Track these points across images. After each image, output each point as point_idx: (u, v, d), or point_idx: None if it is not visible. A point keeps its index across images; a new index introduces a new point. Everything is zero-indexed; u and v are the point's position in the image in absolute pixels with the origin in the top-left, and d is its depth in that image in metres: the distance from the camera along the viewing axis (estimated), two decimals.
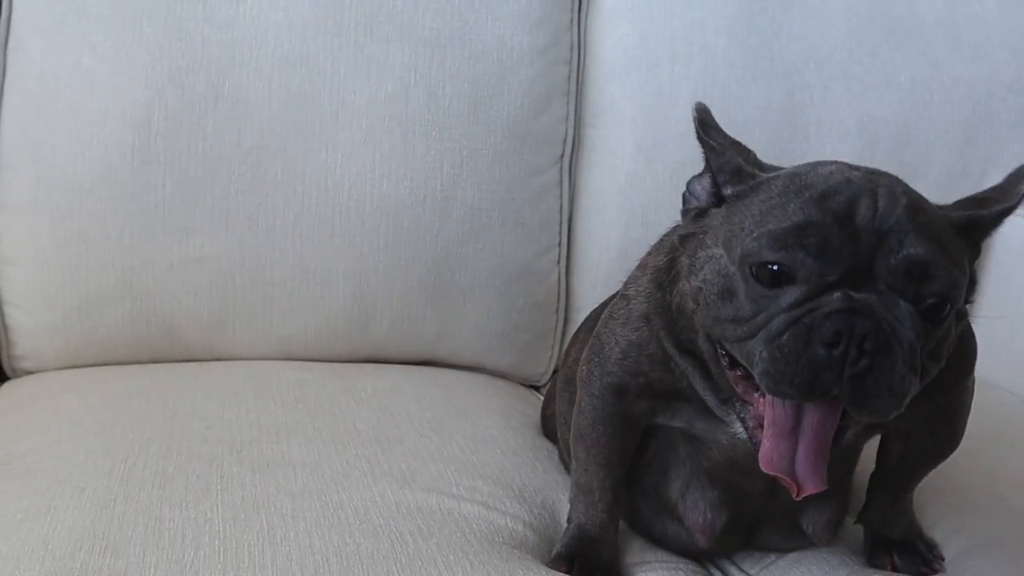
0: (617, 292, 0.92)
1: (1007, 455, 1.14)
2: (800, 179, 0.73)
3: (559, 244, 1.36)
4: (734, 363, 0.74)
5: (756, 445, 0.74)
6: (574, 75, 1.36)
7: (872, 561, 0.94)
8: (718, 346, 0.75)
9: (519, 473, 1.02)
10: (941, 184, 1.48)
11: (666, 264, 0.82)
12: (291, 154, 1.20)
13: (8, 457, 0.98)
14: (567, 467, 1.04)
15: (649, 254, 0.88)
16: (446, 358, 1.33)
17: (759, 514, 0.94)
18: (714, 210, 0.77)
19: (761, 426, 0.74)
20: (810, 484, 0.71)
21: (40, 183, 1.16)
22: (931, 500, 1.03)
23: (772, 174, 0.76)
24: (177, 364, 1.22)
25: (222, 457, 0.96)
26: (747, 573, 0.96)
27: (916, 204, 0.71)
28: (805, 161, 1.41)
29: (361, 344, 1.28)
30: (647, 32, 1.36)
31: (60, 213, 1.16)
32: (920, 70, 1.46)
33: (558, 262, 1.36)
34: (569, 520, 0.93)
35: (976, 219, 0.76)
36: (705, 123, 0.78)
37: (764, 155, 1.36)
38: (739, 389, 0.75)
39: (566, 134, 1.35)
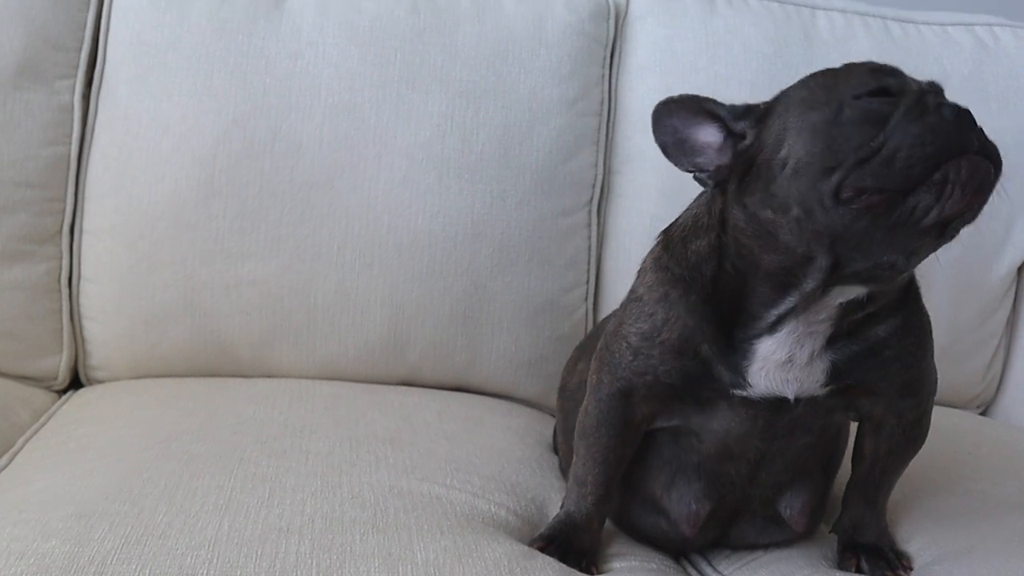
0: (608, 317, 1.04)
1: (1005, 481, 1.16)
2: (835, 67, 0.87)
3: (587, 281, 1.45)
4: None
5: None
6: (604, 125, 1.47)
7: (840, 564, 0.99)
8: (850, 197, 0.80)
9: (517, 475, 1.10)
10: (966, 233, 1.50)
11: (682, 239, 0.93)
12: (337, 191, 1.34)
13: (67, 439, 1.12)
14: (566, 475, 1.12)
15: (643, 263, 0.97)
16: (477, 385, 1.42)
17: (739, 503, 1.01)
18: (756, 129, 0.87)
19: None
20: None
21: (118, 211, 1.32)
22: (914, 515, 1.07)
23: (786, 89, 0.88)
24: (229, 378, 1.35)
25: (246, 445, 1.07)
26: (720, 572, 1.01)
27: None
28: None
29: (396, 367, 1.39)
30: (672, 86, 1.46)
31: (134, 238, 1.32)
32: None
33: (586, 298, 1.45)
34: (561, 507, 1.01)
35: None
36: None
37: None
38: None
39: (595, 179, 1.45)
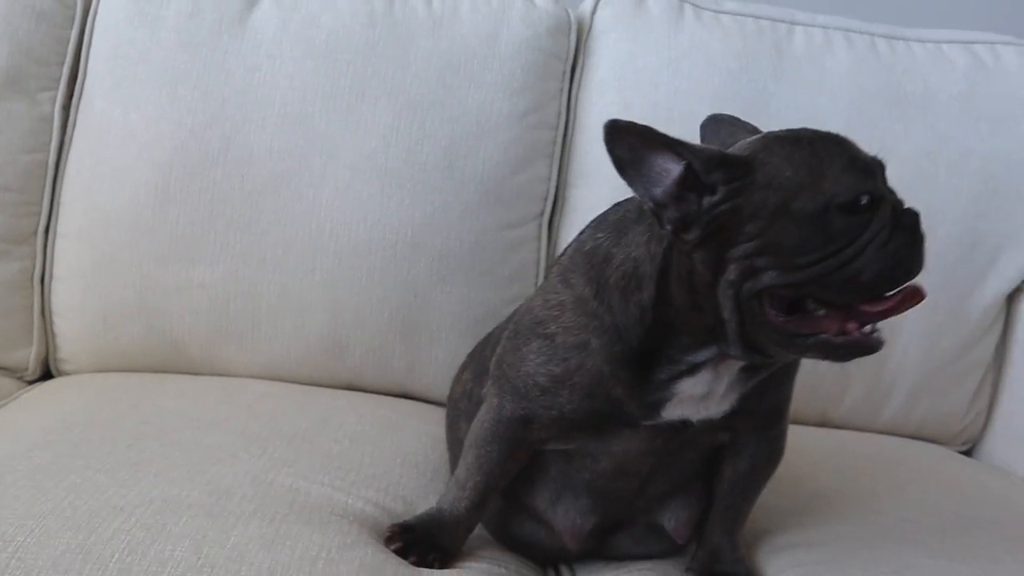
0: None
1: (918, 517, 1.09)
2: (805, 137, 0.84)
3: None
4: (791, 310, 0.83)
5: (867, 342, 0.82)
6: (559, 139, 1.47)
7: None
8: (765, 303, 0.82)
9: (401, 477, 1.12)
10: (948, 258, 1.44)
11: (622, 289, 0.88)
12: (283, 199, 1.38)
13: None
14: None
15: (556, 292, 0.94)
16: (419, 392, 1.44)
17: (623, 515, 1.01)
18: (728, 187, 0.81)
19: (845, 332, 0.82)
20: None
21: (86, 215, 1.41)
22: (799, 538, 1.04)
23: (758, 146, 0.85)
24: (179, 375, 1.41)
25: (145, 434, 1.12)
26: None
27: None
28: None
29: (338, 371, 1.42)
30: (631, 100, 1.45)
31: (96, 240, 1.40)
32: (925, 143, 1.45)
33: None
34: (436, 505, 1.01)
35: None
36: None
37: None
38: (805, 327, 0.82)
39: (547, 193, 1.46)
